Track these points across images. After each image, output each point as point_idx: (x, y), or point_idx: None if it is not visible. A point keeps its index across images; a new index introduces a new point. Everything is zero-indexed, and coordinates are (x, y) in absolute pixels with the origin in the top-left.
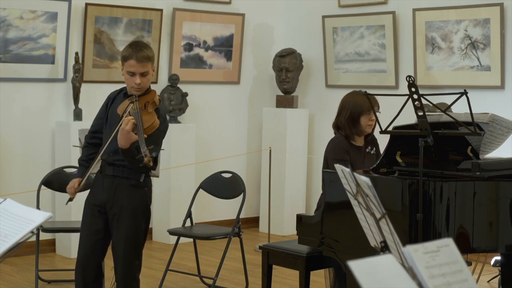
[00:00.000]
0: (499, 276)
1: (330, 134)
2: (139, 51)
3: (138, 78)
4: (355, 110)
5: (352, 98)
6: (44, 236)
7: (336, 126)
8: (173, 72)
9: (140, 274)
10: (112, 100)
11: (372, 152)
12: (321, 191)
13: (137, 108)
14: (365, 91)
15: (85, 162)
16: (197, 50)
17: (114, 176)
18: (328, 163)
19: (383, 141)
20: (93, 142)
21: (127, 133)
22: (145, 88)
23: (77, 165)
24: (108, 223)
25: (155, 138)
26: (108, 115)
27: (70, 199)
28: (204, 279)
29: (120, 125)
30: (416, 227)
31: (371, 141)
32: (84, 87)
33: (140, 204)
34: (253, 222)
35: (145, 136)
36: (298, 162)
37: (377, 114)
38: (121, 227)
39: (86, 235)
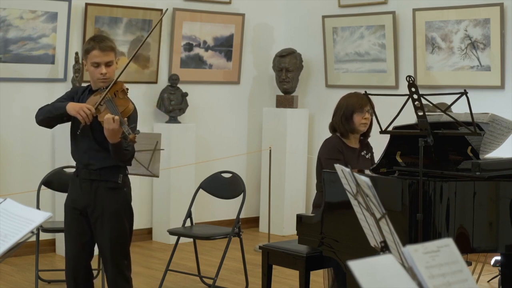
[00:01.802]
0: (499, 276)
1: (330, 134)
2: (101, 42)
3: (103, 68)
4: (348, 108)
5: (346, 99)
6: (44, 236)
7: (332, 127)
8: (173, 72)
9: (131, 273)
10: (78, 98)
11: (367, 156)
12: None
13: (109, 98)
14: (365, 91)
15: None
16: (197, 50)
17: (92, 180)
18: (321, 164)
19: (383, 141)
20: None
21: (118, 130)
22: (111, 79)
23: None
24: (91, 225)
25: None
26: None
27: (85, 124)
28: (204, 279)
29: (87, 123)
30: (416, 227)
31: (366, 145)
32: None
33: (122, 205)
34: (253, 222)
35: (125, 119)
36: (298, 162)
37: (373, 114)
38: (105, 229)
39: (72, 238)
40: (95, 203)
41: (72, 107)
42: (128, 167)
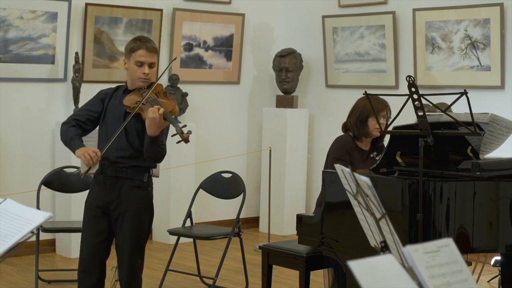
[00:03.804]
0: (499, 276)
1: (330, 134)
2: (148, 42)
3: (146, 68)
4: (364, 111)
5: (363, 100)
6: (44, 236)
7: (345, 126)
8: (173, 72)
9: (142, 274)
10: (110, 98)
11: (377, 158)
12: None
13: (154, 98)
14: (365, 91)
15: (79, 137)
16: (197, 50)
17: (117, 177)
18: (328, 161)
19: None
20: (78, 124)
21: (159, 121)
22: (151, 80)
23: (77, 165)
24: (111, 223)
25: (166, 130)
26: (105, 112)
27: (88, 170)
28: (204, 279)
29: (125, 119)
30: (416, 227)
31: (380, 148)
32: (84, 87)
33: (145, 204)
34: (253, 222)
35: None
36: (298, 162)
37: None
38: (125, 227)
39: (89, 236)
40: (118, 200)
41: (79, 151)
42: None
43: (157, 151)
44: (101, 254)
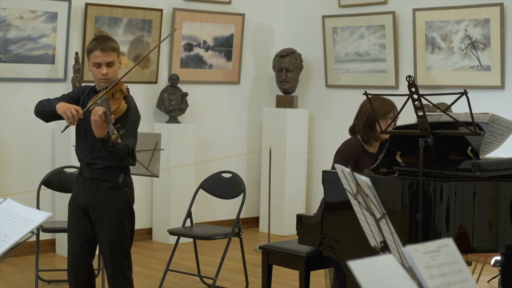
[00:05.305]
0: (499, 276)
1: (330, 134)
2: (102, 42)
3: (104, 69)
4: (371, 114)
5: (370, 102)
6: (44, 236)
7: (352, 129)
8: (173, 72)
9: (132, 273)
10: (83, 101)
11: None
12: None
13: (105, 98)
14: (365, 91)
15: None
16: (197, 50)
17: (93, 179)
18: (333, 163)
19: None
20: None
21: (101, 123)
22: (113, 79)
23: (77, 164)
24: (93, 223)
25: (130, 128)
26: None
27: (68, 126)
28: (204, 279)
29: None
30: (416, 227)
31: None
32: None
33: (122, 205)
34: (253, 222)
35: (113, 116)
36: (298, 162)
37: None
38: (104, 229)
39: (74, 236)
40: (96, 202)
41: (60, 107)
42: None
43: (112, 152)
44: (86, 253)
